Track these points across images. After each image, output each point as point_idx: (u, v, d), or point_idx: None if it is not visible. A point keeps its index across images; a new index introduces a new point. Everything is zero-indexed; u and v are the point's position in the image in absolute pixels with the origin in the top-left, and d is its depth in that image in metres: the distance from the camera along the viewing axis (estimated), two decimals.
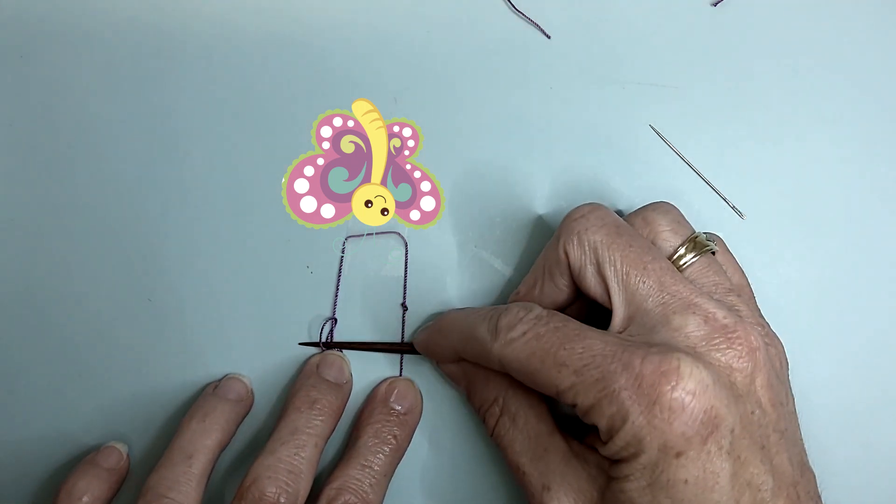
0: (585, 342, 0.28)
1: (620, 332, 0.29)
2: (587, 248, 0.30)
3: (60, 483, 0.32)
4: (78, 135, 0.35)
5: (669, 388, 0.26)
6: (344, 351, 0.35)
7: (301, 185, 0.36)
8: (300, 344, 0.35)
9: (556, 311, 0.30)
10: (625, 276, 0.29)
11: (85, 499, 0.32)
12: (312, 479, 0.31)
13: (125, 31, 0.36)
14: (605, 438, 0.27)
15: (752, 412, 0.27)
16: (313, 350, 0.35)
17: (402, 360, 0.35)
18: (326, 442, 0.32)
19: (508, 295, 0.35)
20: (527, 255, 0.36)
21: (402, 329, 0.35)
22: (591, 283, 0.30)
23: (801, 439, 0.30)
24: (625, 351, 0.27)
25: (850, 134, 0.36)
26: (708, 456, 0.26)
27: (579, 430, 0.31)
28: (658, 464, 0.26)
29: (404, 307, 0.35)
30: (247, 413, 0.34)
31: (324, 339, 0.35)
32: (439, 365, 0.35)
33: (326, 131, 0.36)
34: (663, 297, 0.28)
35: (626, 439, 0.26)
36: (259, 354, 0.35)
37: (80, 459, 0.34)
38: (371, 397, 0.35)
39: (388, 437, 0.33)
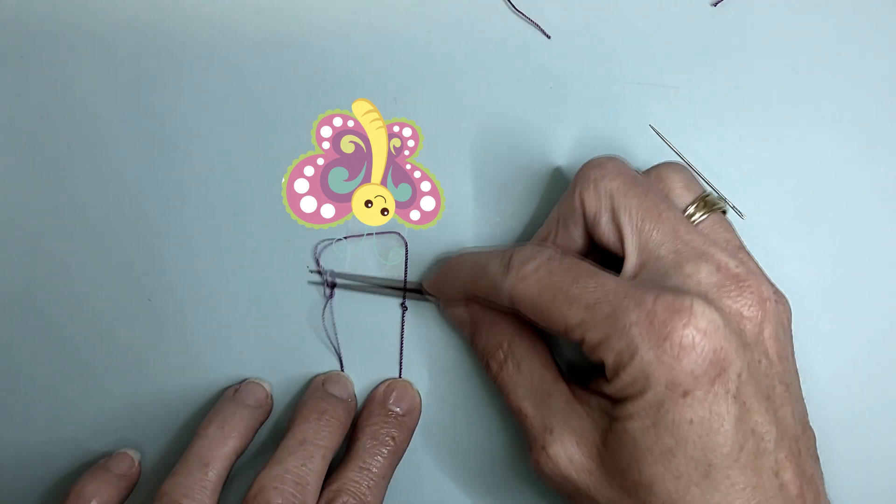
0: (598, 279, 0.28)
1: (632, 278, 0.29)
2: (603, 195, 0.30)
3: (70, 486, 0.32)
4: (78, 135, 0.35)
5: (681, 325, 0.26)
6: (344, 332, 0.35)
7: (301, 185, 0.36)
8: (310, 272, 0.35)
9: (569, 254, 0.30)
10: (640, 223, 0.29)
11: (93, 503, 0.32)
12: (319, 490, 0.31)
13: (125, 31, 0.36)
14: (610, 375, 0.27)
15: (760, 361, 0.27)
16: (319, 354, 0.35)
17: (401, 361, 0.35)
18: (334, 454, 0.32)
19: None
20: None
21: (402, 329, 0.35)
22: (606, 231, 0.30)
23: (803, 399, 0.30)
24: (637, 289, 0.27)
25: (850, 134, 0.36)
26: (715, 397, 0.26)
27: (581, 378, 0.31)
28: (664, 402, 0.26)
29: (404, 307, 0.35)
30: (265, 419, 0.34)
31: (328, 287, 0.35)
32: (444, 308, 0.34)
33: (326, 131, 0.36)
34: (677, 245, 0.28)
35: (634, 375, 0.26)
36: (259, 354, 0.35)
37: (80, 460, 0.34)
38: (369, 399, 0.35)
39: (387, 438, 0.33)
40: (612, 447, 0.28)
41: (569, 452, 0.29)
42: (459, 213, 0.36)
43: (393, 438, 0.33)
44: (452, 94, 0.36)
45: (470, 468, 0.35)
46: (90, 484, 0.32)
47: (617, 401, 0.27)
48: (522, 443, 0.35)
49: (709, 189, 0.31)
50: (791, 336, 0.30)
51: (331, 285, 0.35)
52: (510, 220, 0.36)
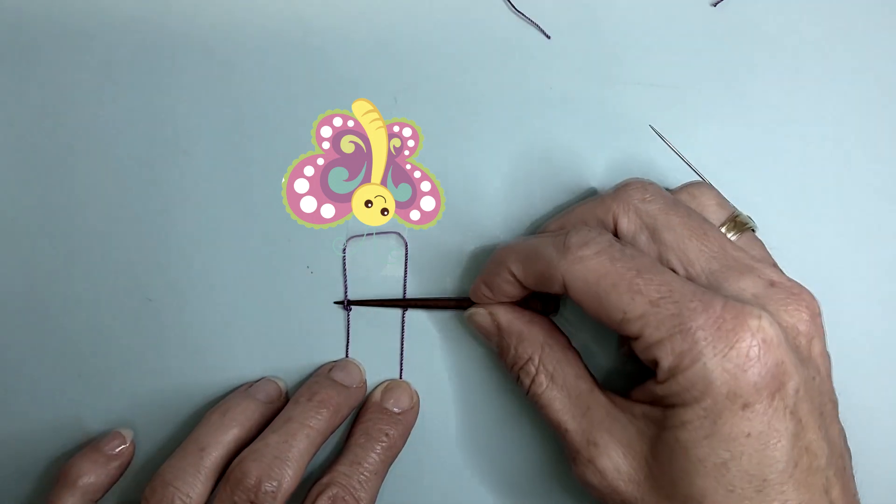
0: (663, 276, 0.27)
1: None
2: (644, 216, 0.29)
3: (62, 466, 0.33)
4: (78, 135, 0.35)
5: (749, 334, 0.25)
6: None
7: (301, 185, 0.36)
8: (335, 303, 0.35)
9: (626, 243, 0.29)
10: (686, 240, 0.29)
11: (82, 481, 0.32)
12: (302, 469, 0.31)
13: (125, 31, 0.36)
14: (664, 377, 0.26)
15: (813, 378, 0.27)
16: (319, 353, 0.35)
17: (401, 362, 0.35)
18: (324, 438, 0.32)
19: None
20: None
21: (402, 329, 0.35)
22: (643, 250, 0.29)
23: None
24: (705, 293, 0.26)
25: (850, 133, 0.36)
26: (774, 412, 0.25)
27: (617, 387, 0.31)
28: (722, 412, 0.25)
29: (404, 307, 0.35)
30: (275, 414, 0.33)
31: (347, 305, 0.35)
32: (470, 318, 0.33)
33: (326, 131, 0.36)
34: (727, 260, 0.28)
35: (692, 380, 0.26)
36: (260, 354, 0.35)
37: None
38: (367, 400, 0.35)
39: (380, 435, 0.33)
40: (661, 457, 0.27)
41: (616, 464, 0.28)
42: (459, 213, 0.36)
43: (386, 435, 0.33)
44: (452, 94, 0.36)
45: (469, 468, 0.35)
46: (79, 463, 0.32)
47: (668, 406, 0.27)
48: (522, 444, 0.35)
49: (738, 209, 0.31)
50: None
51: (347, 306, 0.35)
52: (510, 221, 0.36)
